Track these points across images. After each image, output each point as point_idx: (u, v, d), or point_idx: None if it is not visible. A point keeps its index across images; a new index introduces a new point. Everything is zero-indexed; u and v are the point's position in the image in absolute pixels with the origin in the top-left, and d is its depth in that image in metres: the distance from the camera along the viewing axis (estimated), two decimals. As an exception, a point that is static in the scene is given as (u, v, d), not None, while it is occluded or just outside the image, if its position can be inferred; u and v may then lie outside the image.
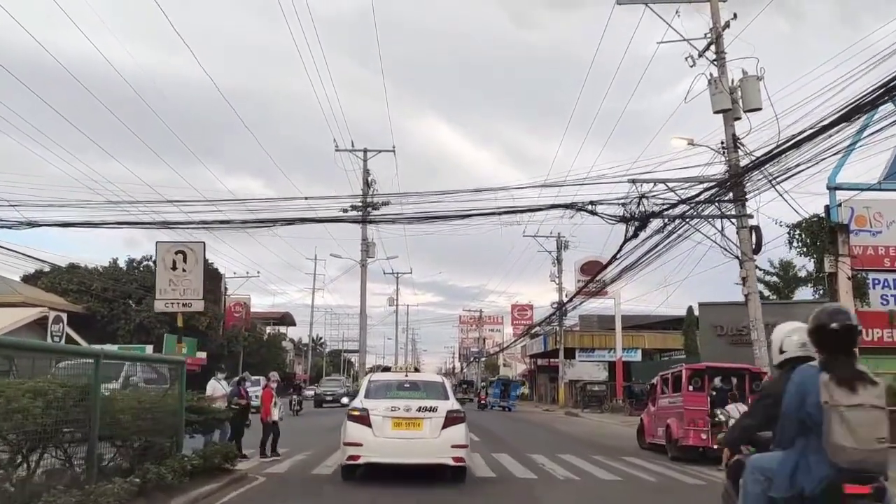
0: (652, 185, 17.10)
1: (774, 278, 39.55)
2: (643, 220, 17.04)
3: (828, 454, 3.26)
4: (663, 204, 17.07)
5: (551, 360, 56.63)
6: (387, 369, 18.78)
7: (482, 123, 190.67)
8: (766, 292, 39.49)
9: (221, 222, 17.40)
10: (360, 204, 34.05)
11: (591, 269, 40.38)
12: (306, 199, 17.33)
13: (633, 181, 17.05)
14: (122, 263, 48.58)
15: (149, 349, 40.14)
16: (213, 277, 53.77)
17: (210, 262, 56.17)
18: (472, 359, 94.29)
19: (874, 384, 3.34)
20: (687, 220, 17.21)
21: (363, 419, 9.27)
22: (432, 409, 9.41)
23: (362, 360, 31.90)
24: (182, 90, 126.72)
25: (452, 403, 9.91)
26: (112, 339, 42.75)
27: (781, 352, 4.12)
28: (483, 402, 43.50)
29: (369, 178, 32.43)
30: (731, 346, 25.91)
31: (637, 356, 45.38)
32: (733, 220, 17.10)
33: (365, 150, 33.12)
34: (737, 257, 17.01)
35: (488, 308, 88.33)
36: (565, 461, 12.49)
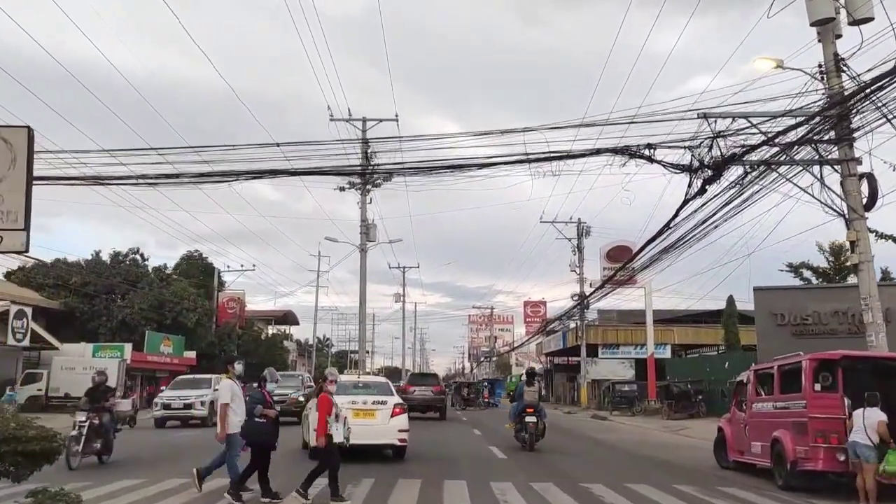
0: (730, 121, 13.11)
1: (824, 262, 35.34)
2: (718, 167, 13.03)
3: (524, 401, 14.87)
4: (742, 147, 13.07)
5: (570, 358, 52.57)
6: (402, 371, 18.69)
7: (490, 122, 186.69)
8: (815, 279, 35.48)
9: (168, 176, 13.56)
10: (359, 179, 30.32)
11: (619, 256, 36.42)
12: (278, 145, 13.33)
13: (705, 116, 13.07)
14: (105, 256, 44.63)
15: (128, 349, 36.50)
16: (206, 272, 50.00)
17: (205, 257, 52.64)
18: (482, 359, 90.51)
19: (535, 385, 15.85)
20: (773, 166, 13.18)
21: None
22: (383, 403, 11.95)
23: (362, 356, 27.85)
24: (189, 94, 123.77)
25: (397, 399, 12.64)
26: (93, 337, 38.95)
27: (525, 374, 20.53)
28: (487, 399, 42.70)
29: (368, 151, 28.47)
30: (795, 338, 21.93)
31: (666, 352, 41.31)
32: (836, 167, 13.09)
33: (364, 120, 29.28)
34: (841, 215, 12.99)
35: (498, 308, 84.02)
36: (644, 498, 8.51)
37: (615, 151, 13.26)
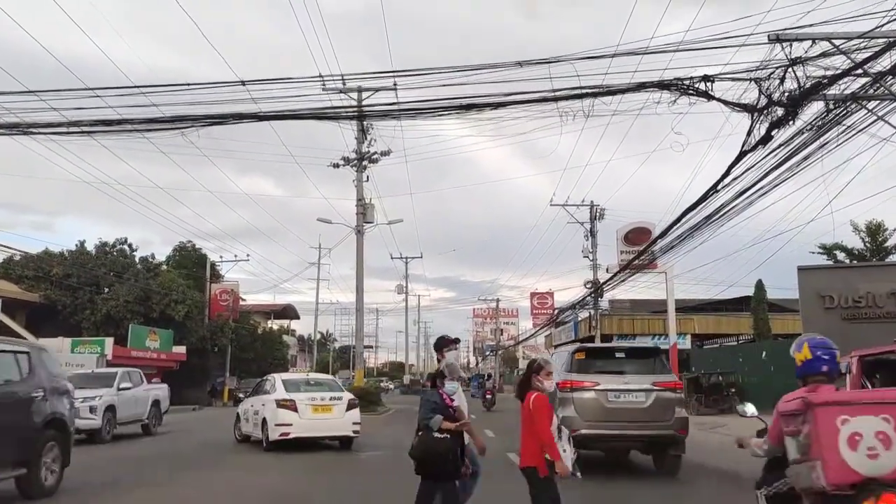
0: (807, 45, 10.48)
1: (859, 243, 32.75)
2: (794, 102, 10.40)
3: (485, 388, 34.89)
4: (824, 77, 10.45)
5: (582, 350, 50.01)
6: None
7: (491, 118, 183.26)
8: (849, 262, 32.91)
9: (108, 123, 10.96)
10: (355, 156, 27.79)
11: (637, 238, 33.75)
12: (244, 83, 10.72)
13: (778, 39, 10.44)
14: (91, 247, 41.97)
15: (109, 343, 33.99)
16: (200, 263, 47.37)
17: (198, 248, 49.93)
18: (487, 352, 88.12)
19: (490, 380, 39.89)
20: (861, 102, 10.56)
21: (291, 406, 12.95)
22: (339, 398, 13.53)
23: (359, 349, 25.28)
24: (191, 89, 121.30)
25: (350, 395, 14.07)
26: (76, 332, 36.45)
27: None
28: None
29: (365, 125, 25.92)
30: (846, 322, 19.17)
31: (686, 343, 38.79)
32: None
33: (359, 90, 26.61)
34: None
35: (502, 302, 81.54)
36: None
37: (662, 86, 10.64)
